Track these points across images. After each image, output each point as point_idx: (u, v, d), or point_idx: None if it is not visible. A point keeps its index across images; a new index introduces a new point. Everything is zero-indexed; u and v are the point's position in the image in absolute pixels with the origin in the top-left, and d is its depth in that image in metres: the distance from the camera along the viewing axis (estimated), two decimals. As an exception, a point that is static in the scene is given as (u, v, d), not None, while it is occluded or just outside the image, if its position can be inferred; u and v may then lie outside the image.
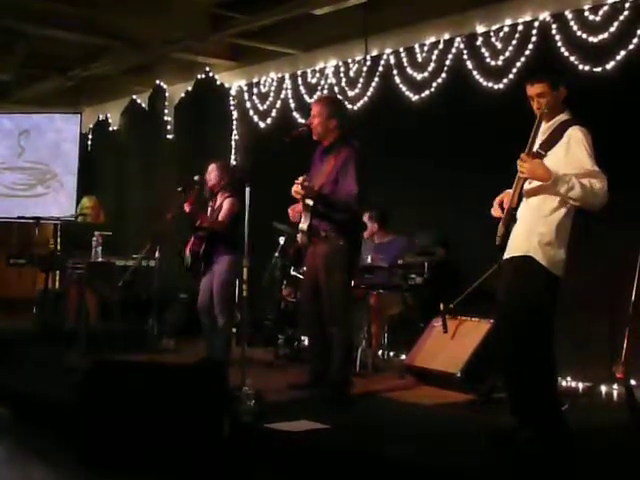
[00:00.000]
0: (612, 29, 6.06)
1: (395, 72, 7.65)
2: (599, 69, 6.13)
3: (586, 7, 6.24)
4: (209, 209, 6.74)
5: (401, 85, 7.60)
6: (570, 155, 3.94)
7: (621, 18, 6.02)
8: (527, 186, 4.07)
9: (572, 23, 6.30)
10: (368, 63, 7.96)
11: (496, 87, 6.79)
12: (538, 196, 4.02)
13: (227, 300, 6.44)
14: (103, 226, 8.22)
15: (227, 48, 9.31)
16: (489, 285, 5.48)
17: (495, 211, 4.25)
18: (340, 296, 5.25)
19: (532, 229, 3.98)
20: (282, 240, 7.32)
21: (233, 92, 9.55)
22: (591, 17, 6.20)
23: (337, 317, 5.25)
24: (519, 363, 4.00)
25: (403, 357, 6.60)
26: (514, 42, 6.70)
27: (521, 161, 3.95)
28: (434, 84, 7.32)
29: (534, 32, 6.57)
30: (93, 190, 9.82)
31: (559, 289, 4.02)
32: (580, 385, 5.83)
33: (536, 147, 4.04)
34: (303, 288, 5.77)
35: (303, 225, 5.33)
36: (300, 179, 5.17)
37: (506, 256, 4.12)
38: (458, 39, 7.15)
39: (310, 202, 5.27)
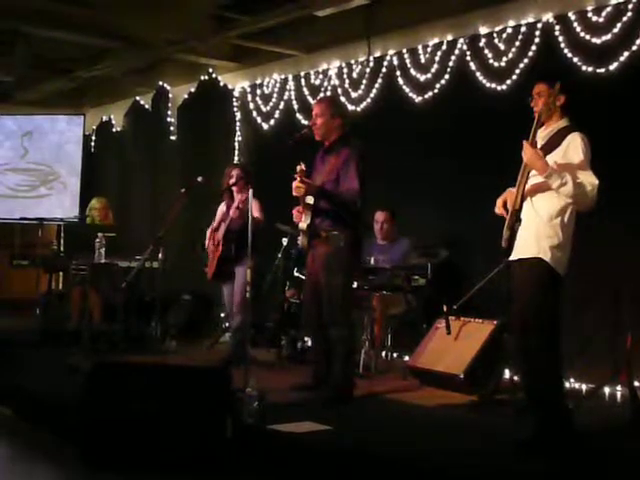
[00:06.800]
0: (615, 30, 6.05)
1: (398, 73, 7.65)
2: (602, 70, 6.12)
3: (589, 8, 6.23)
4: (219, 210, 6.85)
5: (404, 86, 7.59)
6: (567, 158, 4.06)
7: (624, 19, 6.01)
8: (528, 187, 4.14)
9: (575, 24, 6.28)
10: (371, 64, 7.95)
11: (499, 88, 6.79)
12: (541, 200, 4.11)
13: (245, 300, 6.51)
14: (108, 227, 8.21)
15: (230, 49, 9.31)
16: (493, 286, 5.48)
17: (498, 209, 4.31)
18: (340, 298, 5.23)
19: (540, 233, 4.08)
20: (285, 241, 7.33)
21: (236, 93, 9.55)
22: (594, 18, 6.19)
23: (337, 318, 5.23)
24: (530, 363, 4.09)
25: (406, 358, 6.59)
26: (517, 43, 6.68)
27: (524, 148, 4.06)
28: (437, 85, 7.31)
29: (537, 33, 6.55)
30: (100, 191, 9.81)
31: (562, 288, 4.15)
32: (584, 387, 5.82)
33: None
34: (305, 290, 5.76)
35: (303, 224, 5.30)
36: (298, 169, 5.11)
37: (514, 257, 4.19)
38: (461, 40, 7.14)
39: (310, 201, 5.24)
